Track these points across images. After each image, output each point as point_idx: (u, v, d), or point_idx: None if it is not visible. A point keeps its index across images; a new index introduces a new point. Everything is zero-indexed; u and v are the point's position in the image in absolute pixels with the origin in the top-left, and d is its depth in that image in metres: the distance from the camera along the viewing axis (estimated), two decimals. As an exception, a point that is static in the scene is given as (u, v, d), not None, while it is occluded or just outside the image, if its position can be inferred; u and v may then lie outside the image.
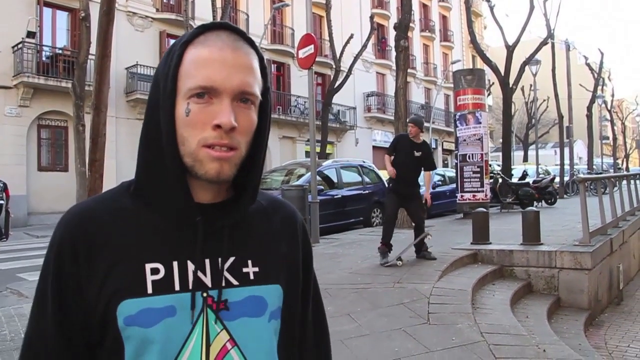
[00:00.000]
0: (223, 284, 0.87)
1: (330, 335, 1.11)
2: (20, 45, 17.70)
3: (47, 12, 19.17)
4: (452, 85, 15.79)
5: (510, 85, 18.00)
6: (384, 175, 15.43)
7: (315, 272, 4.60)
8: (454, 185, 14.84)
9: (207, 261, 0.87)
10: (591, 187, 16.85)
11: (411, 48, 35.62)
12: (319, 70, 29.92)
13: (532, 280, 7.26)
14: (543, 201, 16.47)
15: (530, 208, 8.35)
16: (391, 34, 29.42)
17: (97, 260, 0.85)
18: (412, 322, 4.96)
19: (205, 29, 0.87)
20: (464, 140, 13.58)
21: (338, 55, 23.42)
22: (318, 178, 12.35)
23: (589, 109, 28.88)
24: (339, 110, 29.78)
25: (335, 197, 12.39)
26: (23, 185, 17.56)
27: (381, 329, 4.85)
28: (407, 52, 12.08)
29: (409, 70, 35.40)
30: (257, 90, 0.88)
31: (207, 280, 0.86)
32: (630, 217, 10.68)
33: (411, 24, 33.17)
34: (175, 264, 0.85)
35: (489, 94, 37.52)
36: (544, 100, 36.72)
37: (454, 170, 14.84)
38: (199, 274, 0.86)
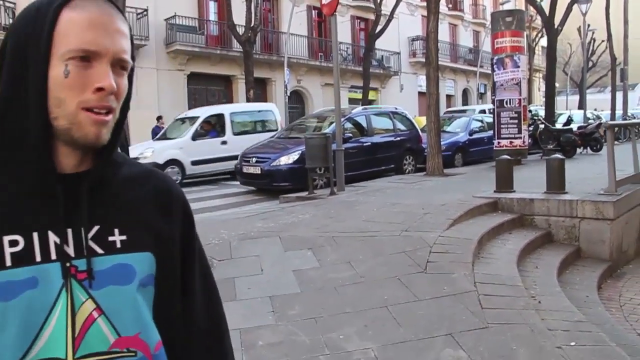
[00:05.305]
0: (87, 253, 0.86)
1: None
2: None
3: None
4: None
5: (556, 27, 17.09)
6: (419, 122, 15.20)
7: (330, 220, 4.75)
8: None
9: (69, 231, 0.86)
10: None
11: (459, -11, 34.29)
12: (360, 14, 29.27)
13: (553, 230, 7.06)
14: (588, 148, 15.84)
15: (555, 155, 8.01)
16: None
17: None
18: (408, 271, 4.94)
19: None
20: (501, 85, 13.09)
21: (378, -1, 22.79)
22: (349, 125, 12.27)
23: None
24: (382, 56, 29.19)
25: (364, 144, 12.28)
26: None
27: (376, 277, 4.86)
28: (438, -6, 11.61)
29: (456, 13, 34.24)
30: (129, 58, 0.89)
31: (70, 250, 0.85)
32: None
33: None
34: (35, 235, 0.84)
35: (542, 36, 35.87)
36: (603, 41, 34.82)
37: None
38: (61, 244, 0.85)
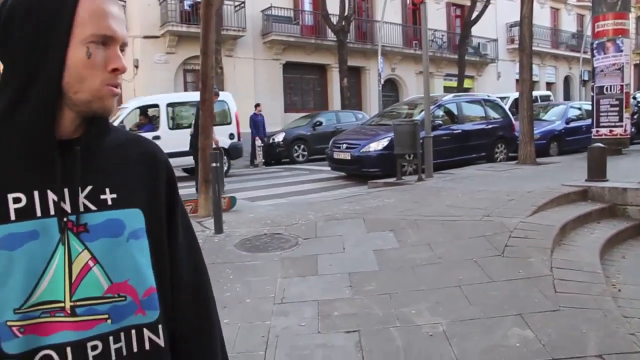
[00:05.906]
0: (82, 210, 0.98)
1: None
2: (164, -3, 19.21)
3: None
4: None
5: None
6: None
7: (414, 204, 5.15)
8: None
9: (65, 190, 0.97)
10: None
11: (562, -30, 32.70)
12: (456, 1, 28.72)
13: (647, 221, 6.83)
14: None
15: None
16: (539, -43, 27.22)
17: None
18: (486, 254, 5.03)
19: None
20: (602, 70, 12.49)
21: (475, -16, 22.32)
22: (439, 112, 12.27)
23: None
24: (478, 43, 28.49)
25: (455, 131, 12.21)
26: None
27: (453, 259, 5.00)
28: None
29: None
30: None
31: (67, 207, 0.96)
32: None
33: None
34: (36, 193, 0.95)
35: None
36: None
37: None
38: (59, 201, 0.96)
